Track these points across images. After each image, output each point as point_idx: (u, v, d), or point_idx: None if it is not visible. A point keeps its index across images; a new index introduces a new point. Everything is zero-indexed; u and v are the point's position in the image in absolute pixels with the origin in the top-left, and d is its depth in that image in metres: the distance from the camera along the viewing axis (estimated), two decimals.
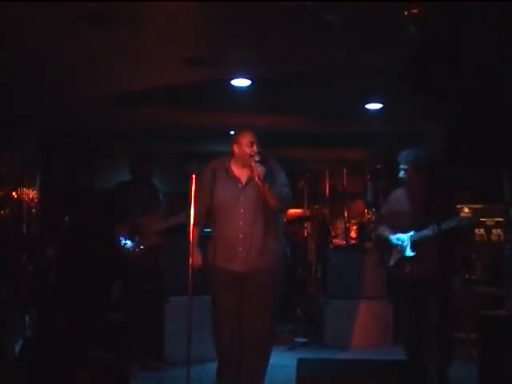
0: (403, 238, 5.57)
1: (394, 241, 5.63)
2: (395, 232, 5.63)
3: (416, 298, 5.54)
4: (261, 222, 5.10)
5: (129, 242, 6.51)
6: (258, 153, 5.06)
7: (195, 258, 5.14)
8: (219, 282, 5.14)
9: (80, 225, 8.09)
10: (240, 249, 5.10)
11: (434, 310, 5.47)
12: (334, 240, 9.58)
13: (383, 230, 5.79)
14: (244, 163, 5.12)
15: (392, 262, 5.68)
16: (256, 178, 4.96)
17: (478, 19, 4.51)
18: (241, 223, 5.10)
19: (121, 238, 6.53)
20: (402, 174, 5.69)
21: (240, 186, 5.15)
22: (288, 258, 7.51)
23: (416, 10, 4.11)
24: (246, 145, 5.09)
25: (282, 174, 5.26)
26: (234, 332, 5.19)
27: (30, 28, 4.79)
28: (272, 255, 5.17)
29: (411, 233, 5.52)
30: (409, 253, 5.53)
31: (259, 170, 4.93)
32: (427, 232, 5.41)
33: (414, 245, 5.51)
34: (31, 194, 7.34)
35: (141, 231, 6.52)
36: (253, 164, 4.98)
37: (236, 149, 5.16)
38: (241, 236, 5.09)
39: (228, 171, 5.20)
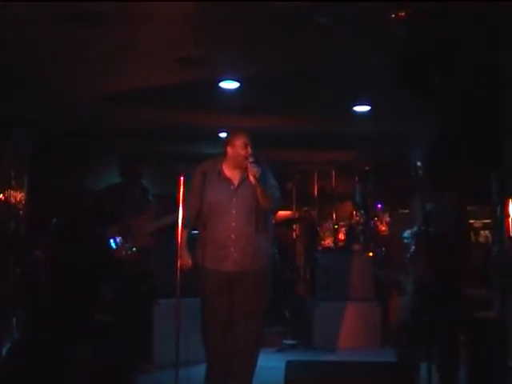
0: (406, 234, 5.62)
1: (406, 235, 5.67)
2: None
3: (418, 296, 5.55)
4: (253, 222, 5.11)
5: (120, 244, 6.50)
6: (252, 154, 5.07)
7: (185, 260, 5.15)
8: (209, 284, 5.14)
9: (68, 226, 8.06)
10: (232, 249, 5.09)
11: (437, 310, 5.48)
12: (322, 242, 9.58)
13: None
14: (237, 165, 5.12)
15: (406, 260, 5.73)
16: (252, 178, 4.97)
17: (464, 20, 4.53)
18: (233, 224, 5.10)
19: (112, 240, 6.52)
20: (413, 172, 5.71)
21: (232, 187, 5.15)
22: (276, 260, 7.51)
23: (403, 13, 4.12)
24: (240, 146, 5.10)
25: (272, 177, 5.28)
26: (223, 334, 5.19)
27: (29, 28, 4.78)
28: (264, 256, 5.19)
29: (414, 229, 5.56)
30: (413, 248, 5.56)
31: (255, 170, 4.93)
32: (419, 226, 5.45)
33: (416, 241, 5.53)
34: (19, 195, 7.31)
35: (132, 232, 6.51)
36: (249, 165, 4.98)
37: (230, 150, 5.16)
38: (233, 236, 5.09)
39: (220, 173, 5.20)
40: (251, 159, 5.00)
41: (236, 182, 5.16)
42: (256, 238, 5.12)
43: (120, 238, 6.51)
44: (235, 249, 5.09)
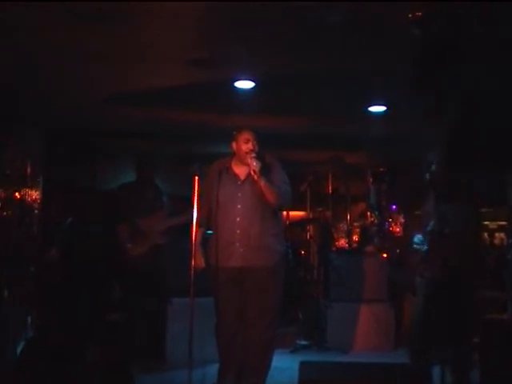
0: (421, 238, 5.61)
1: (416, 240, 5.66)
2: None
3: (430, 298, 5.54)
4: (259, 218, 5.11)
5: (131, 243, 6.52)
6: (254, 150, 5.10)
7: (198, 260, 5.17)
8: (220, 282, 5.14)
9: (82, 225, 8.08)
10: (237, 244, 5.11)
11: (450, 311, 5.46)
12: (336, 243, 9.55)
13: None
14: (242, 160, 5.16)
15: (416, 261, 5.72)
16: (252, 173, 5.00)
17: (480, 21, 4.51)
18: (238, 219, 5.12)
19: (123, 239, 6.54)
20: (427, 174, 5.71)
21: (238, 182, 5.19)
22: (289, 260, 7.50)
23: (419, 13, 4.11)
24: (242, 141, 5.17)
25: (282, 172, 5.29)
26: (235, 333, 5.19)
27: (42, 26, 4.79)
28: (271, 253, 5.17)
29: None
30: (424, 249, 5.54)
31: (254, 164, 4.97)
32: (431, 226, 5.44)
33: (428, 242, 5.52)
34: (34, 194, 7.33)
35: (143, 232, 6.53)
36: (249, 160, 5.02)
37: (234, 146, 5.24)
38: (238, 232, 5.11)
39: (228, 169, 5.25)
40: (252, 154, 5.05)
41: (242, 178, 5.20)
42: (263, 234, 5.12)
43: (130, 237, 6.54)
44: (240, 244, 5.10)
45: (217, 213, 5.19)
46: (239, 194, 5.15)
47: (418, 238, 5.71)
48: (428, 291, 5.57)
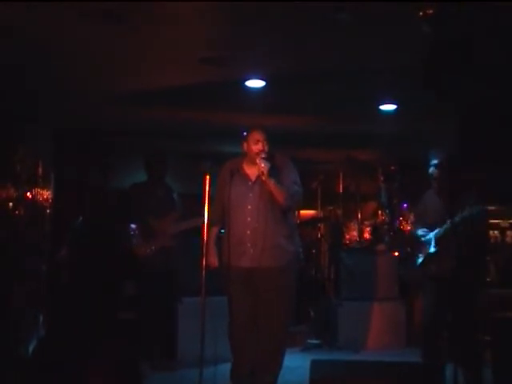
0: (430, 235, 5.58)
1: (422, 238, 5.65)
2: (429, 230, 5.63)
3: (439, 297, 5.52)
4: (269, 219, 5.11)
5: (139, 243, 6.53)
6: (264, 150, 5.11)
7: (211, 259, 5.20)
8: (233, 281, 5.16)
9: (93, 225, 8.10)
10: (248, 245, 5.12)
11: (458, 310, 5.44)
12: (347, 241, 9.54)
13: (416, 229, 5.82)
14: (253, 161, 5.17)
15: (419, 261, 5.70)
16: (260, 174, 5.02)
17: (491, 20, 4.50)
18: (249, 219, 5.13)
19: (133, 239, 6.55)
20: (431, 170, 5.70)
21: (250, 183, 5.20)
22: (301, 259, 7.49)
23: (431, 11, 4.10)
24: (252, 142, 5.18)
25: (294, 172, 5.29)
26: (248, 332, 5.20)
27: (55, 27, 4.81)
28: (283, 253, 5.17)
29: (437, 230, 5.53)
30: (432, 249, 5.53)
31: (262, 166, 4.99)
32: (445, 226, 5.40)
33: (438, 241, 5.50)
34: (45, 193, 7.35)
35: (155, 232, 6.54)
36: (257, 161, 5.04)
37: (245, 146, 5.25)
38: (248, 232, 5.12)
39: (240, 170, 5.26)
40: (262, 155, 5.06)
41: (253, 178, 5.21)
42: (273, 234, 5.12)
43: (141, 236, 6.55)
44: (251, 244, 5.11)
45: (229, 213, 5.20)
46: (250, 195, 5.15)
47: (422, 230, 5.70)
48: (436, 289, 5.56)
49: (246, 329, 5.20)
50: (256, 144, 5.14)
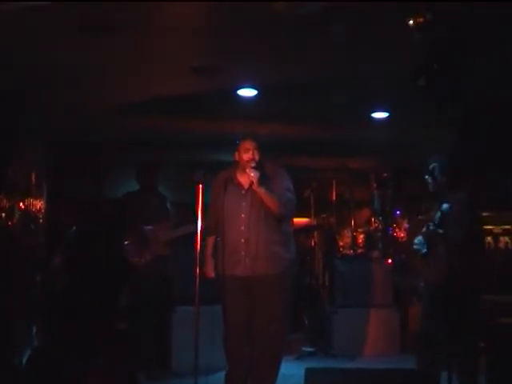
0: (421, 239, 5.62)
1: (416, 241, 5.68)
2: None
3: (434, 302, 5.54)
4: (262, 227, 5.10)
5: (136, 251, 6.52)
6: (254, 159, 5.11)
7: (209, 269, 5.21)
8: (228, 290, 5.14)
9: (87, 234, 8.09)
10: (243, 253, 5.10)
11: (454, 315, 5.46)
12: (341, 249, 9.55)
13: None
14: (245, 169, 5.16)
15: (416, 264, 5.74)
16: (250, 183, 5.03)
17: (483, 27, 4.52)
18: (242, 228, 5.11)
19: (128, 248, 6.54)
20: (427, 177, 5.73)
21: (243, 191, 5.19)
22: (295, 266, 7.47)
23: (421, 19, 4.12)
24: (243, 151, 5.16)
25: (286, 179, 5.28)
26: (243, 341, 5.18)
27: (43, 40, 4.83)
28: (278, 261, 5.15)
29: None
30: (424, 251, 5.55)
31: (252, 175, 4.99)
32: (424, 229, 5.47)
33: (428, 244, 5.53)
34: (38, 204, 7.35)
35: (148, 241, 6.54)
36: (247, 170, 5.04)
37: (237, 155, 5.23)
38: (243, 241, 5.10)
39: (233, 179, 5.25)
40: (252, 164, 5.06)
41: (246, 187, 5.19)
42: (267, 242, 5.10)
43: (135, 245, 6.54)
44: (246, 253, 5.09)
45: (223, 222, 5.19)
46: (243, 203, 5.14)
47: (418, 239, 5.73)
48: (432, 295, 5.57)
49: (241, 338, 5.18)
50: (246, 153, 5.13)
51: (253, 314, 5.15)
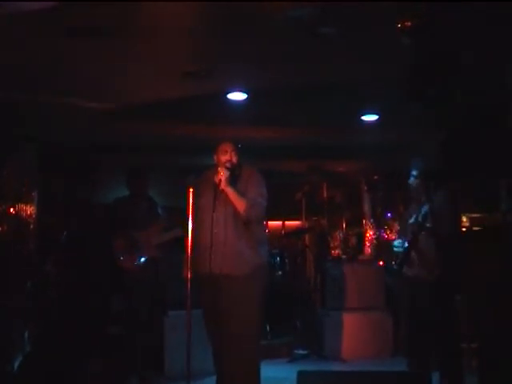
0: (400, 241, 5.69)
1: (395, 244, 5.73)
2: None
3: (415, 301, 5.58)
4: (231, 226, 5.10)
5: (128, 256, 6.53)
6: (231, 161, 5.17)
7: (185, 269, 5.17)
8: (201, 290, 5.16)
9: (79, 239, 8.09)
10: (211, 251, 5.07)
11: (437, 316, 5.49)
12: (332, 251, 9.58)
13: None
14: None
15: (396, 265, 5.77)
16: (218, 182, 5.06)
17: (471, 31, 4.54)
18: (212, 226, 5.10)
19: (119, 252, 6.54)
20: (411, 180, 5.78)
21: (217, 191, 5.17)
22: (286, 271, 7.47)
23: (409, 23, 4.14)
24: (220, 153, 5.24)
25: (260, 184, 5.28)
26: (221, 344, 5.13)
27: (34, 42, 4.81)
28: (245, 263, 5.09)
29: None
30: (405, 246, 5.61)
31: (221, 174, 5.05)
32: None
33: (412, 239, 5.58)
34: (29, 209, 7.34)
35: (139, 245, 6.54)
36: (219, 168, 5.10)
37: (215, 157, 5.31)
38: (211, 239, 5.09)
39: (210, 178, 5.25)
40: (227, 164, 5.12)
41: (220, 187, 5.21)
42: (234, 242, 5.09)
43: (126, 249, 6.54)
44: (213, 251, 5.07)
45: (197, 220, 5.21)
46: (216, 203, 5.15)
47: (396, 242, 5.81)
48: (413, 295, 5.63)
49: (220, 340, 5.11)
50: (224, 154, 5.20)
51: (224, 316, 5.11)
